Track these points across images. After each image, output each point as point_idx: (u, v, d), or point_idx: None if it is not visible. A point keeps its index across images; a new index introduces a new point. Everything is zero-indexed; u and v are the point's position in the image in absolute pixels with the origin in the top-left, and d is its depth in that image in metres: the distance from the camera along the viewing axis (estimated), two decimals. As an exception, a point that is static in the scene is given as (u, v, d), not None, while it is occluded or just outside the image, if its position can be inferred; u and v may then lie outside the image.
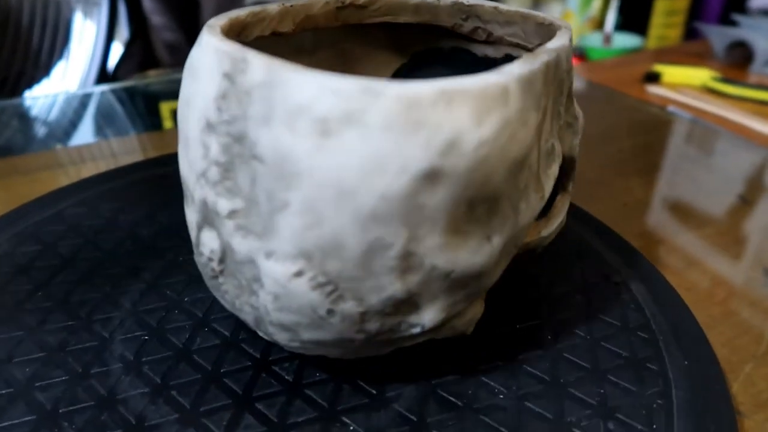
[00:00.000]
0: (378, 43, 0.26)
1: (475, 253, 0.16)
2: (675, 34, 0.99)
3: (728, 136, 0.44)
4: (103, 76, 0.78)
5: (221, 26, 0.17)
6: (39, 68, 0.73)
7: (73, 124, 0.46)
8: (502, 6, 0.23)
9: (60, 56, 0.75)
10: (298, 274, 0.15)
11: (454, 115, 0.14)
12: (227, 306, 0.18)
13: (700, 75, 0.56)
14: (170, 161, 0.35)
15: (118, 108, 0.49)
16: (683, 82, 0.56)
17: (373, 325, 0.16)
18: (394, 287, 0.15)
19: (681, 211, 0.33)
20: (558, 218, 0.21)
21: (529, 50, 0.23)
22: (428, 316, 0.17)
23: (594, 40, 0.98)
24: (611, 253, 0.27)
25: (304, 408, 0.19)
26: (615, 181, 0.36)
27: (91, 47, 0.76)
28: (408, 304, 0.16)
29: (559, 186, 0.22)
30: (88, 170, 0.37)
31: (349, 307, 0.16)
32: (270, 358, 0.21)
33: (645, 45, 1.00)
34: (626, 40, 0.99)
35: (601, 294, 0.24)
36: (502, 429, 0.18)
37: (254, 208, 0.15)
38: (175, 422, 0.18)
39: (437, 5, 0.24)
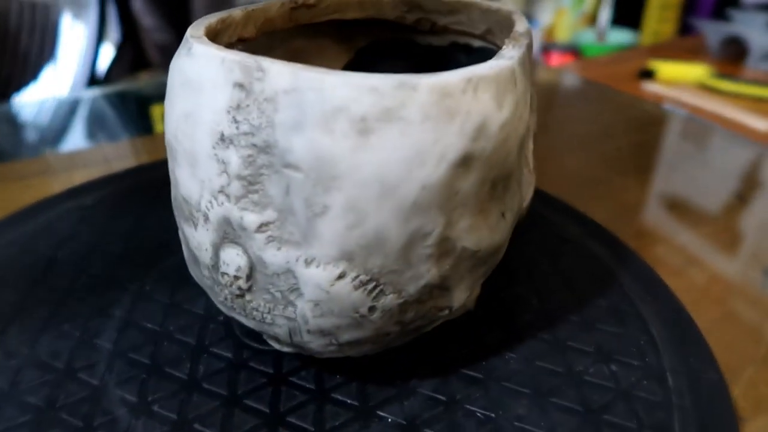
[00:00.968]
0: (328, 40, 0.26)
1: (494, 230, 0.17)
2: (669, 29, 0.98)
3: (724, 132, 0.43)
4: (93, 79, 0.74)
5: (206, 35, 0.16)
6: (28, 72, 0.69)
7: (64, 128, 0.44)
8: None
9: (49, 59, 0.71)
10: (341, 276, 0.15)
11: (480, 101, 0.14)
12: (251, 324, 0.17)
13: (696, 71, 0.54)
14: (163, 167, 0.35)
15: (109, 112, 0.47)
16: (679, 78, 0.55)
17: (409, 315, 0.17)
18: (431, 273, 0.16)
19: (678, 210, 0.32)
20: (531, 187, 0.23)
21: (476, 36, 0.24)
22: (457, 297, 0.17)
23: (588, 36, 0.96)
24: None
25: (337, 411, 0.19)
26: (611, 180, 0.35)
27: (80, 50, 0.72)
28: (441, 288, 0.17)
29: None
30: (80, 176, 0.35)
31: (390, 300, 0.16)
32: (284, 371, 0.20)
33: (639, 41, 0.98)
34: (620, 36, 0.98)
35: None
36: (526, 390, 0.19)
37: (290, 218, 0.15)
38: (210, 455, 0.17)
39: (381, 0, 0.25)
